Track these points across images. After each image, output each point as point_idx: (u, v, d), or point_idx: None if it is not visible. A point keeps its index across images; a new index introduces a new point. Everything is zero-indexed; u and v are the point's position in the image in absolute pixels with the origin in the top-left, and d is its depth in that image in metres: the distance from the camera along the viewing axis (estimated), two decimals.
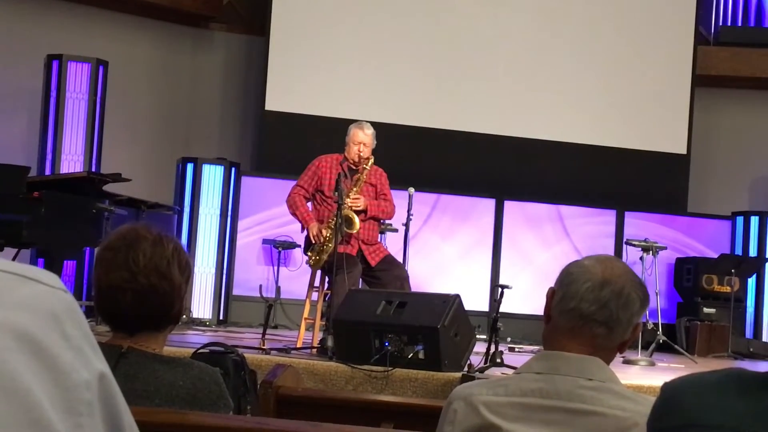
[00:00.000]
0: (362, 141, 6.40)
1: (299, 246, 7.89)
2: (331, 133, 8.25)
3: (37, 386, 0.82)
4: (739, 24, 10.57)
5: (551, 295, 2.05)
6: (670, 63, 9.99)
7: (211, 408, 2.16)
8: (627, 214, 9.73)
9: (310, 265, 6.45)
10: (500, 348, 5.77)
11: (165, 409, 2.07)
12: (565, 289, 2.00)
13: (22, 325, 0.83)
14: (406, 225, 6.82)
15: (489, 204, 9.51)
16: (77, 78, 8.41)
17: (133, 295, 2.12)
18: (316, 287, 6.54)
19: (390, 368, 5.09)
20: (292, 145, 9.14)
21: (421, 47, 9.63)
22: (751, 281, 9.53)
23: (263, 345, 5.79)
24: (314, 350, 5.87)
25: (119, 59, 9.03)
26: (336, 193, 6.07)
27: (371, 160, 6.42)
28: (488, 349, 5.75)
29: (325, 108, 9.35)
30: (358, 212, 6.29)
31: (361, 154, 6.39)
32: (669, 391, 1.18)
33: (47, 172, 8.27)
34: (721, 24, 10.52)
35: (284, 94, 9.39)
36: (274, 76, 9.38)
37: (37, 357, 0.83)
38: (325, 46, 9.50)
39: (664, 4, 10.06)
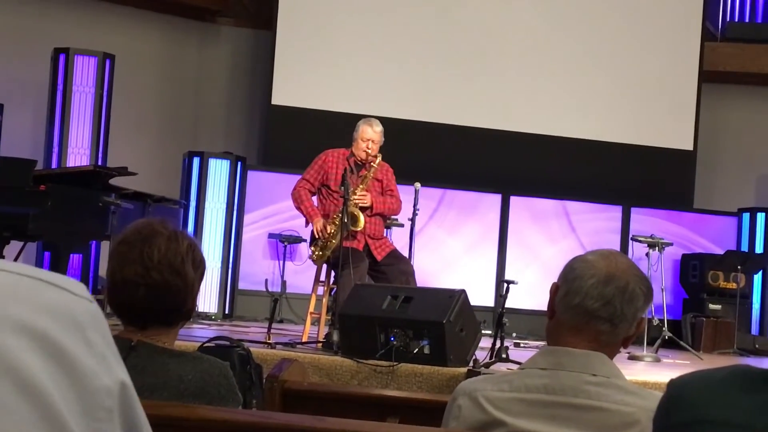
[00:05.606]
0: (371, 138, 6.39)
1: (305, 240, 7.90)
2: (337, 127, 8.25)
3: (53, 388, 0.82)
4: (747, 20, 10.54)
5: (555, 290, 2.05)
6: (677, 59, 9.97)
7: (220, 402, 2.17)
8: (633, 210, 9.72)
9: (313, 260, 6.45)
10: (505, 343, 5.77)
11: (172, 403, 2.08)
12: (569, 285, 2.00)
13: (43, 328, 0.83)
14: (412, 220, 6.81)
15: (495, 199, 9.51)
16: (84, 72, 8.42)
17: (146, 290, 2.13)
18: (322, 282, 6.54)
19: (395, 363, 5.09)
20: (299, 140, 9.13)
21: (427, 42, 9.62)
22: (757, 278, 9.51)
23: (269, 339, 5.80)
24: (320, 345, 5.88)
25: (126, 53, 9.04)
26: (342, 188, 6.07)
27: (379, 158, 6.41)
28: (494, 344, 5.76)
29: (331, 102, 9.35)
30: (363, 209, 6.29)
31: (369, 151, 6.37)
32: (675, 387, 1.18)
33: (54, 165, 8.28)
34: (728, 20, 10.50)
35: (291, 89, 9.39)
36: (280, 70, 9.38)
37: (56, 360, 0.83)
38: (331, 40, 9.50)
39: (672, 0, 10.04)
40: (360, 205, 6.26)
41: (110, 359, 0.89)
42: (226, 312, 8.78)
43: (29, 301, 0.85)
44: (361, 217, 6.24)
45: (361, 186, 6.32)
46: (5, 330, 0.81)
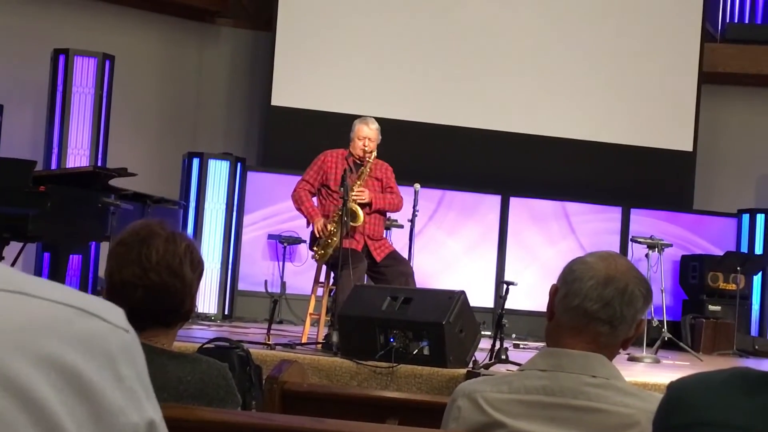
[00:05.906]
0: (367, 136, 6.41)
1: (304, 241, 7.91)
2: (337, 128, 8.24)
3: (71, 423, 0.79)
4: (746, 21, 10.54)
5: (554, 292, 2.05)
6: (676, 60, 9.97)
7: (219, 403, 2.17)
8: (633, 211, 9.71)
9: (315, 260, 6.45)
10: (505, 344, 5.77)
11: (170, 404, 2.07)
12: (569, 287, 2.00)
13: (70, 362, 0.80)
14: (412, 221, 6.82)
15: (494, 200, 9.51)
16: (84, 72, 8.42)
17: (144, 291, 2.13)
18: (322, 282, 6.54)
19: (395, 364, 5.09)
20: (298, 141, 9.13)
21: (427, 43, 9.62)
22: (757, 279, 9.51)
23: (268, 340, 5.80)
24: (319, 346, 5.87)
25: (126, 54, 9.04)
26: (342, 188, 6.07)
27: (374, 153, 6.43)
28: (493, 345, 5.76)
29: (331, 103, 9.35)
30: (362, 205, 6.29)
31: (366, 149, 6.39)
32: (675, 390, 1.18)
33: (53, 166, 8.28)
34: (728, 21, 10.49)
35: (290, 90, 9.39)
36: (280, 71, 9.38)
37: (79, 395, 0.80)
38: (331, 41, 9.50)
39: (671, 1, 10.04)
40: (358, 201, 6.26)
41: (140, 395, 0.86)
42: (226, 313, 8.78)
43: (59, 332, 0.81)
44: (360, 213, 6.25)
45: (358, 182, 6.33)
46: (29, 362, 0.78)
